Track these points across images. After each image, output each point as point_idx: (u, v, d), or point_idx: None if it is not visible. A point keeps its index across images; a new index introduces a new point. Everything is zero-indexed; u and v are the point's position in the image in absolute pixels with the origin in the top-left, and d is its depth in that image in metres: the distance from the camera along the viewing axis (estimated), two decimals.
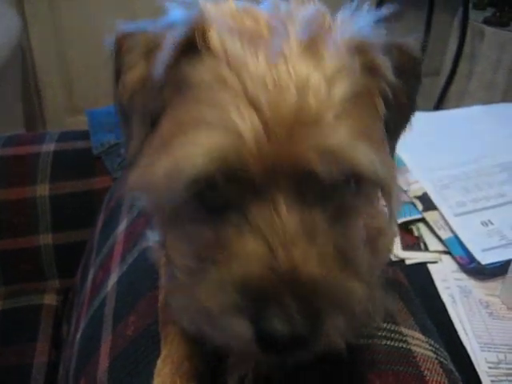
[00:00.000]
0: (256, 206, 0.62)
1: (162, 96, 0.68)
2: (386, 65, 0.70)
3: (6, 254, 1.82)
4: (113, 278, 1.26)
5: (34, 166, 1.85)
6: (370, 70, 0.70)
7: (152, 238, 1.09)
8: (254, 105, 0.60)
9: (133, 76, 0.70)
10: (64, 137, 1.96)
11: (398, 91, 0.73)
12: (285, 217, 0.62)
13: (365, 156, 0.63)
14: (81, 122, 3.85)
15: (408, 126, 0.81)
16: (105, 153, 1.87)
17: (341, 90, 0.64)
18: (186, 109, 0.66)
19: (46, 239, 1.84)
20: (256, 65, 0.62)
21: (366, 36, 0.69)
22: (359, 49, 0.68)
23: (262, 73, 0.61)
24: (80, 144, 1.92)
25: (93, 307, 1.29)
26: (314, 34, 0.65)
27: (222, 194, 0.63)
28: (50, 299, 1.84)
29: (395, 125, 0.78)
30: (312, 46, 0.65)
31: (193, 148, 0.61)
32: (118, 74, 0.72)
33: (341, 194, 0.66)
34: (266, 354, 0.62)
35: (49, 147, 1.90)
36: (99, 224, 1.63)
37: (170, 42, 0.66)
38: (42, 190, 1.83)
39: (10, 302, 1.80)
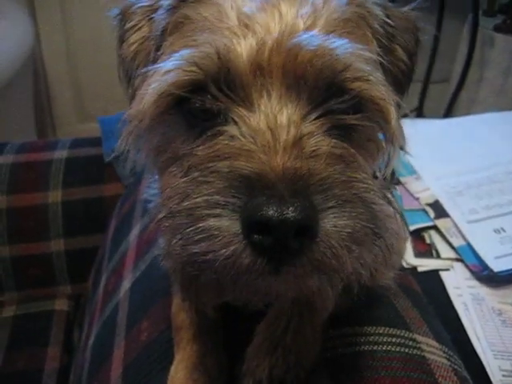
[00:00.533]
0: (246, 111, 0.64)
1: (162, 42, 0.73)
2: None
3: (18, 260, 1.83)
4: (125, 285, 1.26)
5: (47, 173, 1.87)
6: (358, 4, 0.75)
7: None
8: (248, 27, 0.65)
9: (137, 36, 0.77)
10: (76, 144, 1.97)
11: (391, 35, 0.78)
12: (278, 120, 0.63)
13: (354, 61, 0.66)
14: (91, 129, 3.88)
15: (407, 86, 0.83)
16: (116, 160, 1.88)
17: (328, 14, 0.69)
18: (182, 39, 0.70)
19: (57, 245, 1.85)
20: (251, 3, 0.68)
21: None
22: None
23: (255, 8, 0.67)
24: (91, 151, 1.93)
25: (105, 313, 1.29)
26: None
27: (212, 102, 0.66)
28: (61, 305, 1.84)
29: (394, 77, 0.79)
30: None
31: (181, 59, 0.66)
32: (122, 38, 0.79)
33: (337, 109, 0.67)
34: (256, 254, 0.56)
35: (61, 154, 1.92)
36: (111, 230, 1.64)
37: None
38: (54, 196, 1.85)
39: (22, 308, 1.81)
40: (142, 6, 0.78)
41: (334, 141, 0.65)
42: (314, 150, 0.62)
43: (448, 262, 1.41)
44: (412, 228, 1.50)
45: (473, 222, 1.49)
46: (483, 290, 1.32)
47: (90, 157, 1.92)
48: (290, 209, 0.54)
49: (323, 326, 0.88)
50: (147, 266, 1.23)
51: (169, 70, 0.66)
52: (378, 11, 0.77)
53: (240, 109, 0.65)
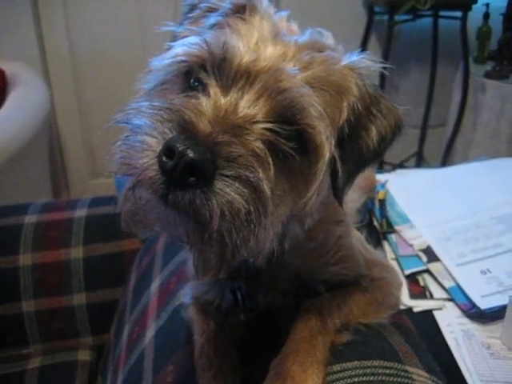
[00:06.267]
0: (221, 93, 0.82)
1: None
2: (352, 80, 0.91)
3: (43, 313, 1.93)
4: (150, 333, 1.37)
5: (69, 231, 1.99)
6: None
7: (184, 296, 1.23)
8: (259, 49, 0.86)
9: (191, 26, 0.99)
10: (94, 203, 2.10)
11: (373, 116, 0.92)
12: (237, 109, 0.80)
13: (313, 111, 0.82)
14: (102, 185, 4.01)
15: (370, 164, 0.96)
16: None
17: (317, 70, 0.87)
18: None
19: (79, 299, 1.95)
20: (270, 36, 0.89)
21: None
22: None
23: (271, 40, 0.88)
24: (109, 209, 2.05)
25: (131, 360, 1.39)
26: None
27: (205, 77, 0.85)
28: (83, 355, 1.92)
29: (358, 149, 0.92)
30: (306, 47, 0.89)
31: (198, 40, 0.88)
32: (181, 22, 1.03)
33: (281, 135, 0.82)
34: (159, 172, 0.72)
35: (81, 213, 2.04)
36: (131, 283, 1.75)
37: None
38: (76, 252, 1.96)
39: (47, 359, 1.89)
40: (205, 5, 1.00)
41: (262, 147, 0.79)
42: (243, 141, 0.77)
43: (440, 302, 1.51)
44: (407, 272, 1.62)
45: (461, 264, 1.60)
46: (473, 327, 1.42)
47: (107, 215, 2.03)
48: (196, 149, 0.70)
49: (326, 362, 0.99)
50: (169, 316, 1.33)
51: (188, 43, 0.88)
52: (365, 92, 0.91)
53: (217, 90, 0.83)
